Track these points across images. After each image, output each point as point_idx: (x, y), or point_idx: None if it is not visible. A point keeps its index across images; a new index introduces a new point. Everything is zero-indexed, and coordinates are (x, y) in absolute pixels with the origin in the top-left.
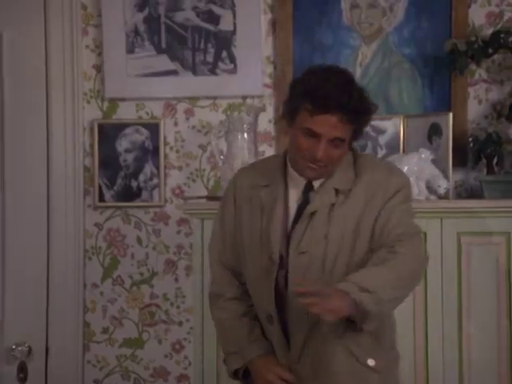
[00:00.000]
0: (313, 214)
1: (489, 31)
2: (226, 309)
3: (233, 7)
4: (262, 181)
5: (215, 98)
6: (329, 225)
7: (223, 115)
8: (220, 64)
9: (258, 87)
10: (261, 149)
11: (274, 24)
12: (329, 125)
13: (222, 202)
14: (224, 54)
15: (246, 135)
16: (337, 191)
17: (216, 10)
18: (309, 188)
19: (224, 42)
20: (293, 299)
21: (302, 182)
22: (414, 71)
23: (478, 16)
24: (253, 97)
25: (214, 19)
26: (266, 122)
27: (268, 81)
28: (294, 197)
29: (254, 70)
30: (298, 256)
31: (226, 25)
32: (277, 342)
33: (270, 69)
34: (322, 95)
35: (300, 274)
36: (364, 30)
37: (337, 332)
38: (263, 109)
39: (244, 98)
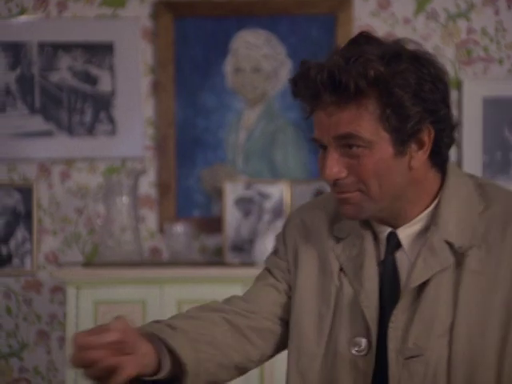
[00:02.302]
0: (422, 287)
1: None
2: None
3: (111, 68)
4: (337, 230)
5: (93, 159)
6: (455, 308)
7: (101, 178)
8: (98, 125)
9: (138, 149)
10: (141, 213)
11: (155, 85)
12: (325, 121)
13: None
14: (102, 115)
15: (125, 199)
16: (452, 247)
17: (93, 70)
18: (394, 242)
19: (102, 103)
20: None
21: (384, 232)
22: (299, 135)
23: None
24: (133, 159)
25: (92, 80)
26: (147, 185)
27: (149, 143)
28: (373, 258)
29: (134, 131)
30: (405, 363)
31: (104, 85)
32: None
33: (151, 131)
34: (304, 84)
35: None
36: (248, 93)
37: None
38: (144, 171)
39: (124, 160)
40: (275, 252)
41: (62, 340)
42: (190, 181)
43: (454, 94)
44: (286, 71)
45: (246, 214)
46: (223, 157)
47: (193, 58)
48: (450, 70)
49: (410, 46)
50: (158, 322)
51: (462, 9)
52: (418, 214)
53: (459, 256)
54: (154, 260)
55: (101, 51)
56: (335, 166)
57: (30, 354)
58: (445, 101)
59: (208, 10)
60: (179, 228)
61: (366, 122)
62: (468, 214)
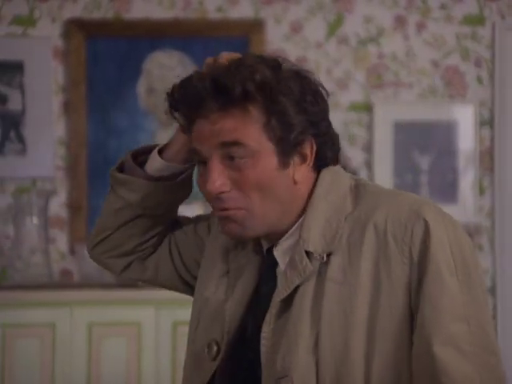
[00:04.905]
0: (289, 303)
1: None
2: None
3: (21, 87)
4: None
5: (2, 179)
6: (318, 322)
7: (11, 198)
8: (8, 144)
9: (49, 169)
10: (51, 234)
11: (66, 105)
12: (208, 130)
13: None
14: (12, 134)
15: (35, 219)
16: (311, 256)
17: (2, 89)
18: (271, 259)
19: (12, 122)
20: None
21: (265, 247)
22: None
23: None
24: (43, 179)
25: (1, 98)
26: (58, 205)
27: (60, 163)
28: (255, 271)
29: (45, 151)
30: (276, 383)
31: (14, 104)
32: None
33: (62, 151)
34: (185, 93)
35: None
36: (161, 114)
37: None
38: (54, 192)
39: (34, 180)
40: (207, 218)
41: None
42: (101, 201)
43: (365, 118)
44: None
45: None
46: None
47: (105, 78)
48: (361, 93)
49: (288, 64)
50: None
51: (372, 34)
52: (290, 228)
53: (321, 265)
54: (64, 282)
55: (11, 70)
56: (218, 178)
57: None
58: (325, 115)
59: (120, 30)
60: None
61: (250, 130)
62: (335, 219)
